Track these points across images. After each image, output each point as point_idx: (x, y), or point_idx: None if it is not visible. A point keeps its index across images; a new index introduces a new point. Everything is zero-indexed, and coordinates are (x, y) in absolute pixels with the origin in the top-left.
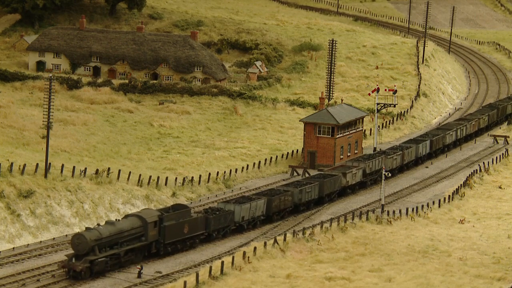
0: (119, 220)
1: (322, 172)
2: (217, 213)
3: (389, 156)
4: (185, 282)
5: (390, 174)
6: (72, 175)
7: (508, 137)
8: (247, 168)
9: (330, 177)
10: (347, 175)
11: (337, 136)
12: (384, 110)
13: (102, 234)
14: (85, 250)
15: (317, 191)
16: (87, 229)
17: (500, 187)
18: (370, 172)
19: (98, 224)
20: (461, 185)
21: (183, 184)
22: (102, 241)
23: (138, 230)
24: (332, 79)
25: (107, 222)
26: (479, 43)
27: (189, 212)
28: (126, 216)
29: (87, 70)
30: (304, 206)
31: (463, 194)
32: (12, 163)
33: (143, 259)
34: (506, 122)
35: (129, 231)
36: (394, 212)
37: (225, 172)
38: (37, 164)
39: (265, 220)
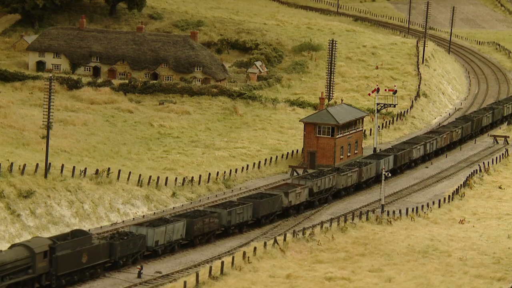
0: (1, 251)
1: (262, 191)
2: (125, 238)
3: (342, 173)
4: (185, 282)
5: (390, 174)
6: (72, 175)
7: (508, 137)
8: (247, 168)
9: (269, 197)
10: (290, 194)
11: (337, 136)
12: (384, 110)
13: None
14: None
15: (250, 212)
16: None
17: (500, 187)
18: (318, 191)
19: None
20: (461, 185)
21: (183, 184)
22: None
23: (24, 262)
24: (332, 79)
25: None
26: (479, 43)
27: (89, 239)
28: (13, 246)
29: (87, 70)
30: (236, 228)
31: (463, 194)
32: (12, 163)
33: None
34: (506, 122)
35: (12, 263)
36: (394, 212)
37: (225, 172)
38: (37, 164)
39: (187, 245)
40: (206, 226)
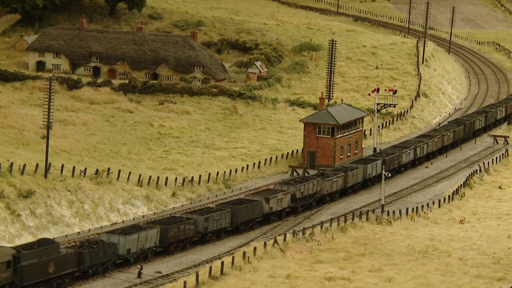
0: None
1: (243, 198)
2: (95, 246)
3: (327, 179)
4: (185, 282)
5: (390, 175)
6: (72, 175)
7: (508, 137)
8: (247, 168)
9: (248, 203)
10: (271, 200)
11: (337, 136)
12: (384, 110)
13: None
14: None
15: (228, 218)
16: None
17: (500, 187)
18: (301, 197)
19: None
20: (461, 185)
21: (183, 184)
22: None
23: None
24: (332, 79)
25: None
26: (479, 43)
27: (56, 248)
28: None
29: (87, 70)
30: (214, 235)
31: (463, 194)
32: (12, 163)
33: None
34: (506, 122)
35: None
36: (394, 212)
37: (225, 172)
38: (37, 164)
39: (161, 252)
40: (181, 233)
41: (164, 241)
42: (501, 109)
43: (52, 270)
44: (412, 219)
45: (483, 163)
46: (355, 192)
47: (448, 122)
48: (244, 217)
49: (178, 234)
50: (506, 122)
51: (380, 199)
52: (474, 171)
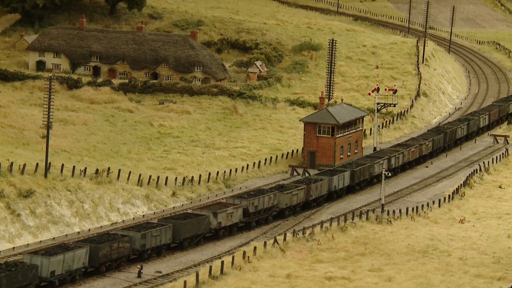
0: None
1: (189, 212)
2: (13, 269)
3: (286, 192)
4: (185, 282)
5: (390, 174)
6: (72, 175)
7: (508, 136)
8: (247, 168)
9: (193, 218)
10: (219, 214)
11: (337, 136)
12: (384, 110)
13: None
14: None
15: (170, 235)
16: None
17: (500, 187)
18: (255, 211)
19: None
20: (461, 184)
21: (183, 184)
22: None
23: None
24: (332, 79)
25: None
26: (479, 43)
27: None
28: None
29: (87, 70)
30: (154, 252)
31: (463, 194)
32: (12, 163)
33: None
34: (506, 122)
35: None
36: (394, 211)
37: (225, 171)
38: (37, 164)
39: (92, 272)
40: (114, 252)
41: (94, 261)
42: (484, 117)
43: None
44: (412, 218)
45: (483, 162)
46: (319, 205)
47: (427, 130)
48: (188, 233)
49: (110, 253)
50: (506, 122)
51: (380, 199)
52: (474, 170)
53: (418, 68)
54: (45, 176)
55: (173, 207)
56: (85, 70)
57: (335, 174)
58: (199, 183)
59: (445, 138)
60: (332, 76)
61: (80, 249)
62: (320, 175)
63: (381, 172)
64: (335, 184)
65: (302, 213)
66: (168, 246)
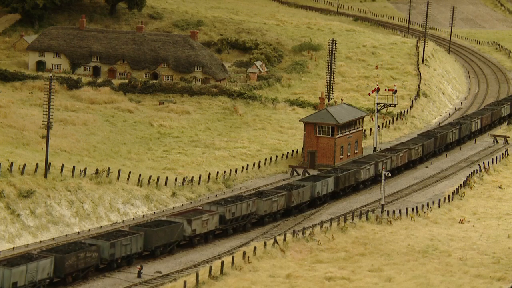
0: None
1: (162, 219)
2: None
3: (265, 198)
4: (185, 282)
5: (390, 174)
6: (72, 175)
7: (508, 137)
8: (247, 168)
9: (166, 225)
10: (194, 221)
11: (337, 136)
12: (384, 110)
13: None
14: None
15: (141, 243)
16: None
17: (500, 187)
18: (232, 218)
19: None
20: (461, 185)
21: (183, 184)
22: None
23: None
24: (332, 79)
25: None
26: (479, 43)
27: None
28: None
29: (87, 70)
30: (124, 261)
31: (463, 194)
32: (12, 163)
33: (142, 259)
34: (506, 122)
35: None
36: (394, 212)
37: (225, 172)
38: (37, 164)
39: (58, 283)
40: (81, 262)
41: (60, 271)
42: (476, 121)
43: None
44: (412, 219)
45: (483, 162)
46: (301, 212)
47: (418, 134)
48: (160, 241)
49: (77, 263)
50: (506, 122)
51: (380, 199)
52: (474, 171)
53: (418, 68)
54: (45, 176)
55: (173, 207)
56: (85, 70)
57: (318, 180)
58: (199, 183)
59: (435, 143)
60: (332, 76)
61: (44, 259)
62: (303, 181)
63: (368, 178)
64: (318, 190)
65: (302, 213)
66: (140, 254)
